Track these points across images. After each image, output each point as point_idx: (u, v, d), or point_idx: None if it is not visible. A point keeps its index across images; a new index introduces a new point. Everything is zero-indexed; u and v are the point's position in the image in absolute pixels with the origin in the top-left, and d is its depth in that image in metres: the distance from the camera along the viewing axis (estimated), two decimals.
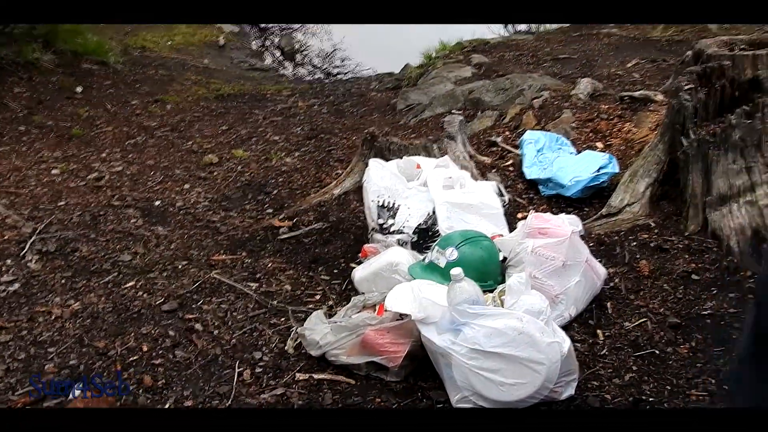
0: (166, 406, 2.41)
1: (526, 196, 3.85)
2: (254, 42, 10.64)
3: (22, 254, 3.39)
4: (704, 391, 2.38)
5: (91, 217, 3.86)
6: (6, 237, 3.55)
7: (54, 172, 4.55)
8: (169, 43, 8.90)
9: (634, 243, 3.26)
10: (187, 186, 4.44)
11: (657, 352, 2.59)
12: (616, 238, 3.30)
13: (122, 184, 4.44)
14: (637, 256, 3.16)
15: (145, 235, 3.68)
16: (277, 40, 11.21)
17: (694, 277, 2.98)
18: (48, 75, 6.30)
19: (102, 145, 5.13)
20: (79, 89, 6.24)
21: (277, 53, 10.72)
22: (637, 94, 4.68)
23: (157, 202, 4.14)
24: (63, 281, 3.21)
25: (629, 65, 5.96)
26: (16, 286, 3.15)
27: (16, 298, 3.06)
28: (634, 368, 2.52)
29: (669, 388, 2.42)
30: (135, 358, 2.65)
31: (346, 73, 9.21)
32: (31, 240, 3.52)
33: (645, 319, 2.77)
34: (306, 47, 11.09)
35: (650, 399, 2.37)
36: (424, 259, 2.86)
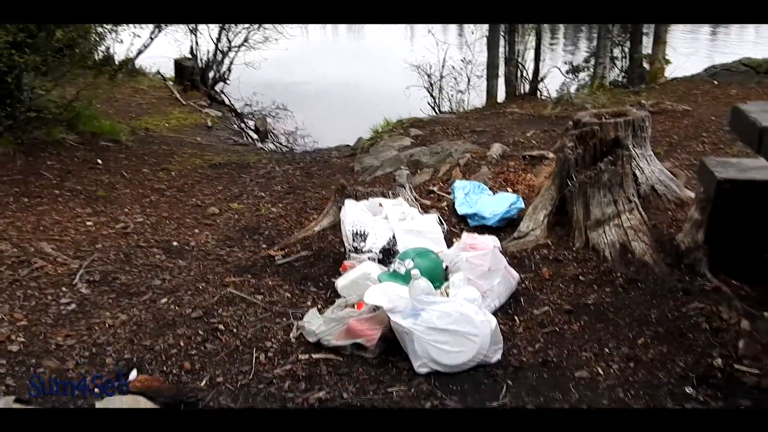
0: (203, 383, 2.59)
1: (458, 227, 4.16)
2: (235, 124, 10.89)
3: (73, 283, 3.54)
4: (590, 353, 2.71)
5: (124, 255, 4.02)
6: (59, 271, 3.69)
7: (89, 223, 4.65)
8: (167, 125, 9.06)
9: (538, 256, 3.59)
10: (197, 231, 4.65)
11: (557, 329, 2.91)
12: (525, 253, 3.63)
13: (145, 231, 4.60)
14: (540, 265, 3.50)
15: (169, 266, 3.89)
16: (252, 123, 11.48)
17: (580, 278, 3.32)
18: (73, 151, 6.35)
19: (124, 203, 5.28)
20: (99, 161, 6.36)
21: (253, 133, 10.97)
22: (535, 153, 5.11)
23: (175, 243, 4.33)
24: (110, 301, 3.37)
25: (528, 134, 6.46)
26: (73, 306, 3.30)
27: (74, 314, 3.22)
28: (542, 340, 2.84)
29: (566, 352, 2.73)
30: (175, 351, 2.83)
31: (311, 146, 9.54)
32: (80, 273, 3.65)
33: (547, 308, 3.09)
34: (275, 128, 11.36)
35: (554, 360, 2.68)
36: (389, 269, 3.16)
